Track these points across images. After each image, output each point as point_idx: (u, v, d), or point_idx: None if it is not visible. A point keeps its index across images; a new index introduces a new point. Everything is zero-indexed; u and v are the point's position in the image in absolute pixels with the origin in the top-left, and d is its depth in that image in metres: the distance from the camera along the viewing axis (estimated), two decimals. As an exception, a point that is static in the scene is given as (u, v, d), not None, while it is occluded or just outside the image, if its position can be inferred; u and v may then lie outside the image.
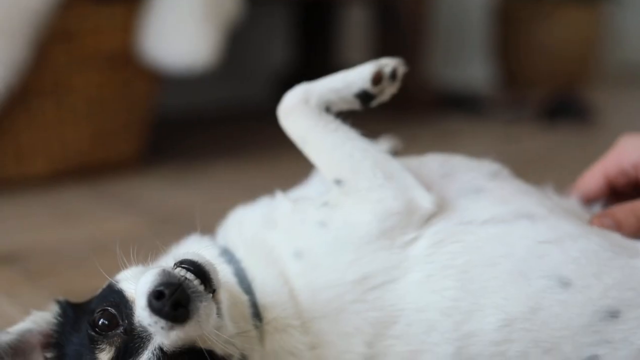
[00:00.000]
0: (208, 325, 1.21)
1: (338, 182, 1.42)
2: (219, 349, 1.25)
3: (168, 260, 1.29)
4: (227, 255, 1.45)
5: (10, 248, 2.36)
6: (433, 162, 1.52)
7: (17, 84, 2.85)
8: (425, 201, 1.38)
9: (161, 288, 1.16)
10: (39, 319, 1.34)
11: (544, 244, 1.36)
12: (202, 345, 1.22)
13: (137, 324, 1.20)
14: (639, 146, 1.54)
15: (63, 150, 3.13)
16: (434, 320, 1.33)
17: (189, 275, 1.21)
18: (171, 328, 1.17)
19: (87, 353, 1.24)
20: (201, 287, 1.21)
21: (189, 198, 2.91)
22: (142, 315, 1.18)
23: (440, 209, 1.39)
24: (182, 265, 1.23)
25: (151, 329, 1.18)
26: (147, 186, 3.11)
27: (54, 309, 1.36)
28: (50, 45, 2.96)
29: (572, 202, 1.56)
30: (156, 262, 1.36)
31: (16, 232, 2.56)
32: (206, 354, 1.22)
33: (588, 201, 1.59)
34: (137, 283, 1.22)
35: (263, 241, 1.43)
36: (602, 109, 4.43)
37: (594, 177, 1.58)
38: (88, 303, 1.34)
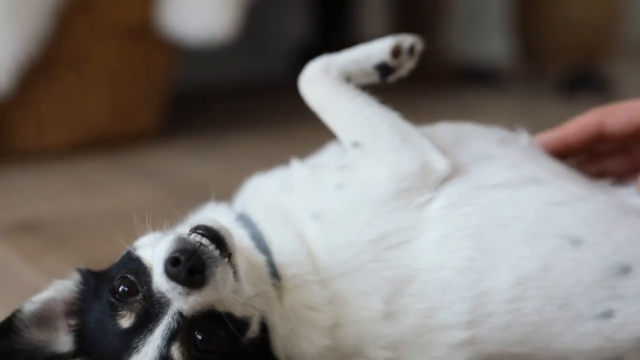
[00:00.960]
0: (225, 289, 1.23)
1: (355, 144, 1.45)
2: (237, 311, 1.28)
3: (184, 228, 1.30)
4: (244, 220, 1.47)
5: (32, 217, 2.40)
6: (444, 130, 1.54)
7: (37, 55, 2.88)
8: (440, 164, 1.41)
9: (177, 254, 1.19)
10: (62, 287, 1.36)
11: (552, 206, 1.39)
12: (220, 308, 1.25)
13: (155, 290, 1.23)
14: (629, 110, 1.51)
15: (83, 122, 3.16)
16: (450, 279, 1.36)
17: (204, 241, 1.23)
18: (188, 294, 1.19)
19: (109, 319, 1.27)
20: (216, 252, 1.23)
21: (207, 169, 2.93)
22: (160, 281, 1.21)
23: (455, 172, 1.42)
24: (197, 231, 1.25)
25: (169, 295, 1.21)
26: (165, 157, 3.14)
27: (76, 277, 1.38)
28: (70, 17, 2.98)
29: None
30: (173, 229, 1.38)
31: (38, 201, 2.60)
32: (225, 317, 1.24)
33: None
34: (154, 250, 1.24)
35: (280, 205, 1.46)
36: (621, 82, 4.41)
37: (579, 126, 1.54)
38: (108, 271, 1.37)
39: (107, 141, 3.21)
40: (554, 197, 1.40)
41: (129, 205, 2.52)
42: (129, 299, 1.25)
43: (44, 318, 1.33)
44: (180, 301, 1.21)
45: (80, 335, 1.33)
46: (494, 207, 1.39)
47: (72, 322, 1.34)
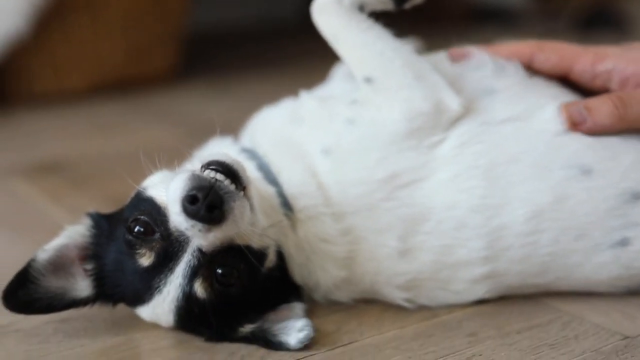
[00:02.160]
0: (243, 222, 1.24)
1: (368, 80, 1.43)
2: (255, 242, 1.29)
3: (194, 164, 1.31)
4: (249, 152, 1.47)
5: (53, 158, 2.44)
6: (445, 63, 1.51)
7: (52, -1, 2.90)
8: (453, 103, 1.40)
9: (193, 192, 1.19)
10: (73, 233, 1.37)
11: (560, 136, 1.39)
12: (239, 241, 1.26)
13: (173, 229, 1.23)
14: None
15: (99, 65, 3.19)
16: (464, 217, 1.37)
17: (219, 176, 1.23)
18: (208, 230, 1.20)
19: (127, 259, 1.28)
20: (232, 187, 1.23)
21: (222, 110, 2.95)
22: (178, 220, 1.21)
23: (468, 111, 1.41)
24: (210, 167, 1.24)
25: (188, 233, 1.21)
26: (181, 99, 3.16)
27: (87, 221, 1.39)
28: (84, -41, 2.98)
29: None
30: (182, 167, 1.38)
31: (57, 143, 2.64)
32: (244, 250, 1.26)
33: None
34: (167, 189, 1.25)
35: (289, 138, 1.46)
36: (637, 19, 4.36)
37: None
38: (120, 212, 1.37)
39: (123, 84, 3.23)
40: (560, 126, 1.39)
41: (146, 145, 2.55)
42: (147, 238, 1.26)
43: (59, 265, 1.35)
44: (199, 238, 1.21)
45: (99, 278, 1.35)
46: (502, 143, 1.39)
47: (88, 266, 1.36)
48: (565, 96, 1.47)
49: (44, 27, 2.96)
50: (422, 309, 1.44)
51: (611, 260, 1.39)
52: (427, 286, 1.42)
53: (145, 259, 1.26)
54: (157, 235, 1.25)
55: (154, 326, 1.39)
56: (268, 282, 1.35)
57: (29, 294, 1.31)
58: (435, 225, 1.37)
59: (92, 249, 1.36)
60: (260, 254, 1.31)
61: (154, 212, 1.26)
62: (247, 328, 1.32)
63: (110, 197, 2.03)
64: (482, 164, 1.38)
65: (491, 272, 1.40)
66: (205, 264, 1.24)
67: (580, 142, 1.39)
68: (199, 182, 1.21)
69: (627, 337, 1.33)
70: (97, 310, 1.44)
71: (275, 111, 1.55)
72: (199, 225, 1.20)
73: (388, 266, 1.39)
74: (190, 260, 1.24)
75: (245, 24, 4.66)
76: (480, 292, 1.43)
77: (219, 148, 1.48)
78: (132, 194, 1.36)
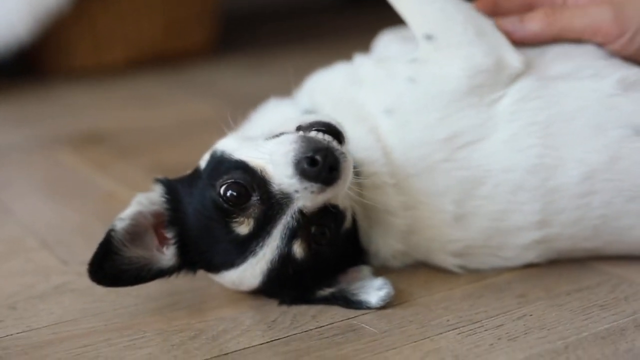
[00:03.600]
0: (348, 183, 1.24)
1: (428, 37, 1.42)
2: (341, 203, 1.30)
3: (289, 126, 1.28)
4: (312, 113, 1.44)
5: (96, 129, 2.48)
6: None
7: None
8: (514, 60, 1.39)
9: (310, 154, 1.18)
10: (145, 200, 1.33)
11: (613, 97, 1.38)
12: (332, 201, 1.26)
13: (277, 192, 1.21)
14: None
15: (138, 39, 3.21)
16: (521, 180, 1.36)
17: (327, 137, 1.22)
18: (322, 191, 1.20)
19: (219, 226, 1.25)
20: (341, 147, 1.23)
21: (260, 83, 2.96)
22: (289, 182, 1.20)
23: (528, 68, 1.40)
24: (316, 128, 1.24)
25: (297, 195, 1.20)
26: (220, 73, 3.18)
27: (158, 188, 1.35)
28: None
29: None
30: (250, 132, 1.38)
31: (99, 115, 2.68)
32: (335, 209, 1.27)
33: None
34: (263, 152, 1.23)
35: (351, 99, 1.45)
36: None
37: None
38: (192, 177, 1.34)
39: (162, 58, 3.25)
40: (613, 87, 1.38)
41: (190, 116, 2.60)
42: (244, 204, 1.23)
43: (135, 234, 1.30)
44: (307, 200, 1.20)
45: (182, 246, 1.31)
46: (559, 100, 1.38)
47: (169, 234, 1.32)
48: (603, 54, 1.45)
49: (83, 1, 2.98)
50: (470, 271, 1.44)
51: None
52: (479, 253, 1.42)
53: (244, 227, 1.24)
54: (255, 199, 1.23)
55: (206, 286, 1.42)
56: (344, 243, 1.35)
57: (114, 266, 1.27)
58: (492, 190, 1.37)
59: (169, 216, 1.32)
60: (342, 215, 1.31)
61: (248, 175, 1.24)
62: (326, 291, 1.33)
63: (154, 166, 2.06)
64: (540, 120, 1.37)
65: (544, 237, 1.40)
66: (305, 224, 1.24)
67: (633, 103, 1.38)
68: (315, 144, 1.20)
69: (677, 299, 1.33)
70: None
71: (333, 72, 1.54)
72: (315, 186, 1.19)
73: (444, 232, 1.40)
74: (289, 222, 1.23)
75: (281, 1, 4.66)
76: (530, 257, 1.43)
77: (279, 109, 1.49)
78: (207, 157, 1.33)
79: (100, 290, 1.41)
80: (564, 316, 1.29)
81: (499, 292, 1.38)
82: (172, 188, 1.34)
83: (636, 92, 1.39)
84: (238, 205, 1.24)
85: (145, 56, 3.22)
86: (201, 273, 1.37)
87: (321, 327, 1.29)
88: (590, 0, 1.46)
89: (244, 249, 1.25)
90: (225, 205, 1.24)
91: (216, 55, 3.41)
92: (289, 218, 1.22)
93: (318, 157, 1.18)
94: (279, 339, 1.26)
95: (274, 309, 1.34)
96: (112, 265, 1.27)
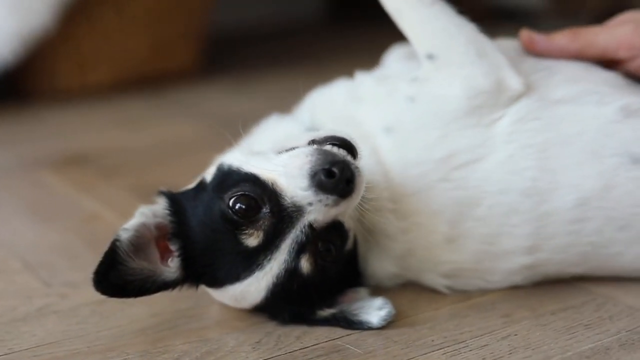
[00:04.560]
0: (359, 197, 1.25)
1: (430, 56, 1.42)
2: (346, 221, 1.30)
3: (301, 140, 1.29)
4: (314, 131, 1.42)
5: (79, 150, 2.46)
6: (507, 44, 1.52)
7: (78, -7, 2.92)
8: (515, 82, 1.39)
9: (328, 166, 1.19)
10: (149, 212, 1.31)
11: (613, 123, 1.38)
12: (340, 218, 1.27)
13: (288, 205, 1.21)
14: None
15: (124, 60, 3.21)
16: (515, 202, 1.36)
17: (342, 151, 1.23)
18: (336, 204, 1.20)
19: (226, 238, 1.24)
20: (356, 162, 1.24)
21: (246, 105, 2.97)
22: (303, 195, 1.20)
23: (528, 90, 1.40)
24: (330, 142, 1.25)
25: (310, 208, 1.20)
26: (205, 94, 3.18)
27: (161, 200, 1.34)
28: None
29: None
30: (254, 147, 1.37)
31: (83, 136, 2.66)
32: (341, 226, 1.27)
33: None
34: (280, 164, 1.23)
35: (352, 117, 1.44)
36: (657, 17, 4.35)
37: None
38: (197, 190, 1.32)
39: (147, 79, 3.24)
40: (615, 113, 1.38)
41: (172, 138, 2.59)
42: (254, 216, 1.23)
43: (138, 246, 1.28)
44: (320, 213, 1.21)
45: (187, 258, 1.29)
46: (557, 123, 1.38)
47: (174, 246, 1.30)
48: (620, 83, 1.46)
49: (69, 22, 2.97)
50: (456, 291, 1.44)
51: None
52: (467, 275, 1.42)
53: (253, 239, 1.23)
54: (265, 212, 1.23)
55: (189, 307, 1.41)
56: (346, 264, 1.35)
57: (119, 276, 1.25)
58: (487, 211, 1.37)
59: (173, 228, 1.31)
60: (347, 234, 1.32)
61: (258, 188, 1.24)
62: (326, 311, 1.32)
63: (138, 187, 2.06)
64: (537, 142, 1.37)
65: (533, 262, 1.40)
66: (313, 239, 1.24)
67: (633, 131, 1.38)
68: (332, 156, 1.21)
69: (662, 318, 1.34)
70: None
71: (333, 90, 1.54)
72: (330, 199, 1.20)
73: (435, 254, 1.40)
74: (298, 237, 1.22)
75: (266, 21, 4.68)
76: (516, 280, 1.43)
77: (281, 125, 1.48)
78: (213, 171, 1.32)
79: (84, 311, 1.41)
80: (548, 335, 1.29)
81: (484, 312, 1.38)
82: (176, 201, 1.33)
83: (637, 119, 1.39)
84: (248, 218, 1.23)
85: (130, 77, 3.22)
86: (190, 293, 1.36)
87: (305, 347, 1.28)
88: (616, 23, 1.51)
89: (251, 261, 1.24)
90: (234, 217, 1.24)
91: (201, 76, 3.42)
92: (298, 232, 1.22)
93: (335, 170, 1.19)
94: (263, 360, 1.25)
95: (258, 330, 1.34)
96: (117, 275, 1.25)
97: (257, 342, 1.30)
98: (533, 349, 1.25)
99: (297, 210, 1.21)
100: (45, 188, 2.15)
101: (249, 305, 1.32)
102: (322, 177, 1.19)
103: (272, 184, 1.23)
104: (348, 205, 1.23)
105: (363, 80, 1.50)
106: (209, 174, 1.34)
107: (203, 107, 2.99)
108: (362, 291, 1.38)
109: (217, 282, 1.30)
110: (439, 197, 1.37)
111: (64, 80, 3.12)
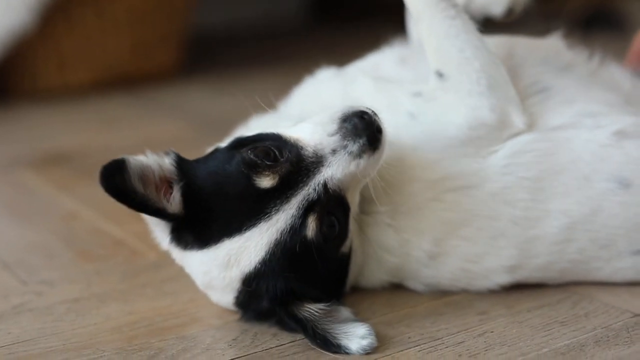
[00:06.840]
0: (380, 162, 1.25)
1: (440, 75, 1.39)
2: (354, 212, 1.30)
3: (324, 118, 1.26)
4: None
5: (61, 150, 2.46)
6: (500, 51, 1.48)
7: (58, -7, 2.91)
8: (519, 121, 1.38)
9: (360, 112, 1.21)
10: (156, 161, 1.27)
11: (606, 147, 1.38)
12: (349, 199, 1.27)
13: (309, 155, 1.21)
14: None
15: (104, 60, 3.20)
16: (504, 228, 1.36)
17: (372, 111, 1.23)
18: (360, 153, 1.20)
19: (239, 182, 1.22)
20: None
21: (226, 105, 2.95)
22: (329, 141, 1.21)
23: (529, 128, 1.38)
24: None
25: (332, 158, 1.20)
26: (186, 94, 3.18)
27: (169, 156, 1.29)
28: (90, -46, 3.00)
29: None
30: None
31: (63, 136, 2.65)
32: (345, 209, 1.27)
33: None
34: (310, 120, 1.24)
35: None
36: (638, 19, 4.38)
37: None
38: (210, 155, 1.31)
39: (128, 79, 3.24)
40: (608, 137, 1.38)
41: (153, 138, 2.58)
42: (273, 161, 1.22)
43: (140, 178, 1.24)
44: (340, 165, 1.20)
45: (189, 200, 1.25)
46: (552, 153, 1.37)
47: (177, 186, 1.26)
48: (619, 101, 1.46)
49: (49, 22, 2.97)
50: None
51: (629, 266, 1.41)
52: (446, 285, 1.42)
53: (268, 181, 1.21)
54: (284, 160, 1.22)
55: (166, 305, 1.41)
56: (338, 263, 1.32)
57: (124, 182, 1.21)
58: (474, 232, 1.37)
59: (178, 174, 1.27)
60: (348, 232, 1.30)
61: (281, 143, 1.24)
62: (306, 309, 1.26)
63: (118, 187, 2.04)
64: (531, 175, 1.37)
65: (511, 280, 1.41)
66: (324, 201, 1.22)
67: (626, 155, 1.38)
68: (360, 109, 1.22)
69: (637, 315, 1.34)
70: (108, 290, 1.48)
71: (325, 84, 1.52)
72: (356, 145, 1.20)
73: (416, 269, 1.40)
74: (310, 194, 1.22)
75: (249, 23, 4.68)
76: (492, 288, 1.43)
77: (271, 120, 1.45)
78: (229, 140, 1.31)
79: (60, 309, 1.41)
80: (524, 332, 1.30)
81: (461, 310, 1.38)
82: (183, 161, 1.30)
83: (630, 142, 1.39)
84: (267, 159, 1.22)
85: (111, 77, 3.21)
86: (167, 291, 1.35)
87: (282, 345, 1.28)
88: None
89: (258, 208, 1.21)
90: (254, 158, 1.22)
91: (182, 76, 3.41)
92: (311, 190, 1.22)
93: (367, 117, 1.21)
94: (239, 357, 1.25)
95: (234, 328, 1.33)
96: (122, 180, 1.21)
97: (234, 340, 1.30)
98: (509, 346, 1.26)
99: (317, 162, 1.21)
100: (25, 187, 2.14)
101: (241, 272, 1.25)
102: (356, 120, 1.20)
103: (295, 140, 1.24)
104: (371, 163, 1.22)
105: (358, 80, 1.47)
106: (223, 143, 1.32)
107: (184, 107, 2.99)
108: (344, 311, 1.30)
109: (214, 235, 1.25)
110: (428, 215, 1.36)
111: (44, 80, 3.11)
